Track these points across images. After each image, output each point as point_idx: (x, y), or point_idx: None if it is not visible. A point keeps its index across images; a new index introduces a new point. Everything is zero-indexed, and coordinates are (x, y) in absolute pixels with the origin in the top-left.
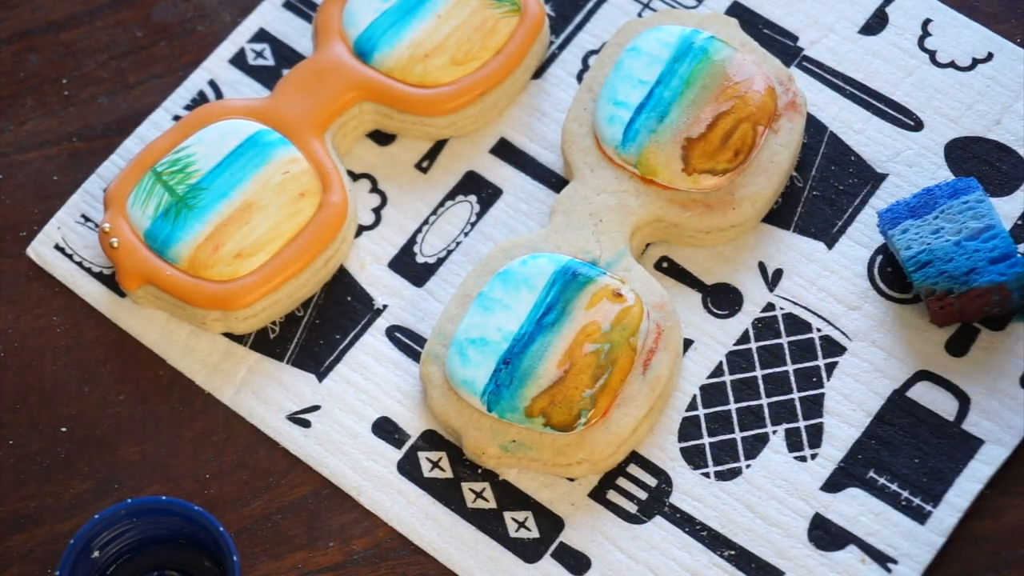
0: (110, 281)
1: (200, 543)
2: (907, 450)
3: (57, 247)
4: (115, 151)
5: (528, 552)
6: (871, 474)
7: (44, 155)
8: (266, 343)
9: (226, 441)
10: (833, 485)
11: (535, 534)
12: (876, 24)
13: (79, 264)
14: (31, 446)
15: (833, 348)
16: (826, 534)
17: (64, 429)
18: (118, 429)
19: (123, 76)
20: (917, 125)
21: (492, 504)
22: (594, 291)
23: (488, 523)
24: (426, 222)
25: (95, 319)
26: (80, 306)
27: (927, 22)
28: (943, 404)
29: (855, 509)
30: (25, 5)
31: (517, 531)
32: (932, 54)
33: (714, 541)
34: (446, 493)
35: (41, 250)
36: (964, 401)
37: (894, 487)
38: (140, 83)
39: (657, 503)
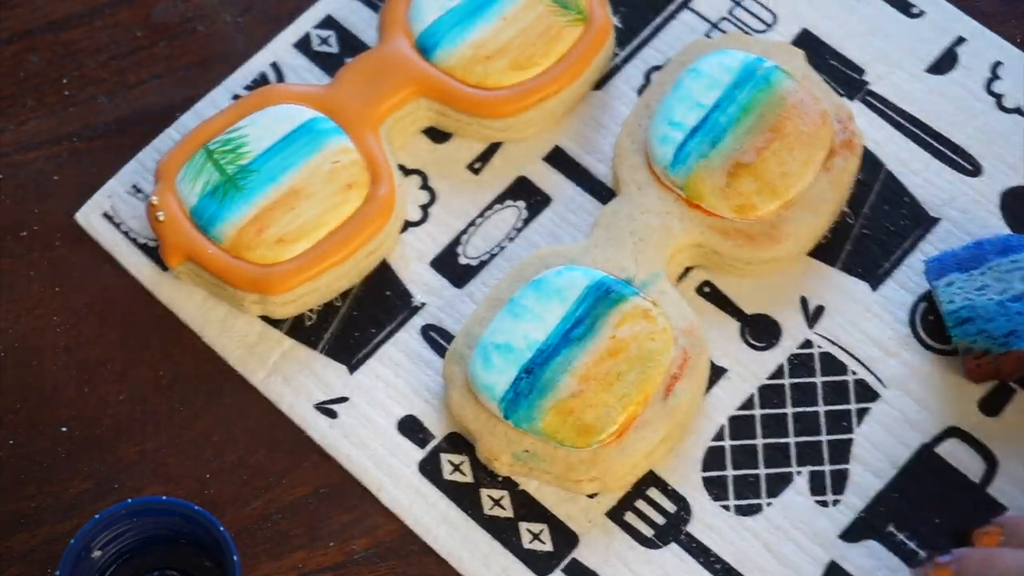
0: (154, 254)
1: (200, 543)
2: (929, 508)
3: (105, 215)
4: (171, 125)
5: (540, 565)
6: (890, 528)
7: (44, 155)
8: (302, 330)
9: (226, 441)
10: (851, 534)
11: (549, 547)
12: (945, 63)
13: (125, 234)
14: (31, 446)
15: (867, 393)
16: None
17: (64, 429)
18: (118, 429)
19: (123, 76)
20: (975, 170)
21: (509, 513)
22: (625, 310)
23: (503, 532)
24: (472, 223)
25: (95, 319)
26: (80, 306)
27: (997, 65)
28: (970, 464)
29: (871, 562)
30: (25, 5)
31: (531, 542)
32: (999, 98)
33: (727, 575)
34: (464, 497)
35: (90, 216)
36: (992, 464)
37: (912, 545)
38: (140, 83)
39: (674, 530)
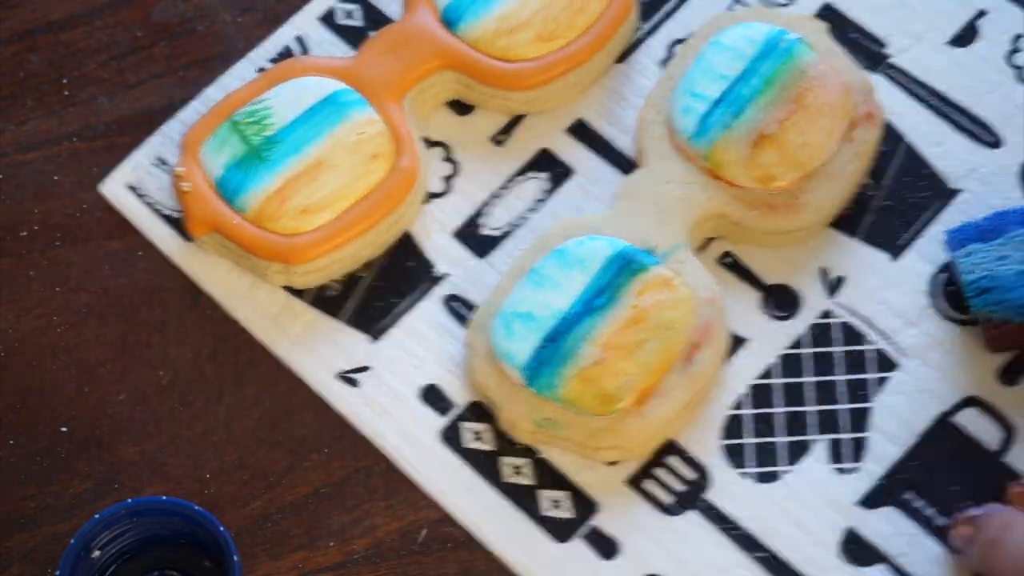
0: (178, 225)
1: (200, 543)
2: (947, 476)
3: (130, 187)
4: (197, 97)
5: (560, 531)
6: (908, 495)
7: (44, 155)
8: (325, 300)
9: (226, 441)
10: (870, 501)
11: (569, 514)
12: (966, 36)
13: (150, 205)
14: (31, 446)
15: (886, 363)
16: (858, 549)
17: (64, 429)
18: (118, 429)
19: (123, 76)
20: (996, 142)
21: (530, 480)
22: (647, 279)
23: (523, 499)
24: (495, 195)
25: (95, 319)
26: (80, 306)
27: (1018, 37)
28: (988, 433)
29: (889, 528)
30: (25, 5)
31: (551, 510)
32: (1020, 70)
33: (746, 541)
34: (485, 465)
35: (114, 189)
36: (1009, 432)
37: (930, 512)
38: (140, 83)
39: (693, 497)
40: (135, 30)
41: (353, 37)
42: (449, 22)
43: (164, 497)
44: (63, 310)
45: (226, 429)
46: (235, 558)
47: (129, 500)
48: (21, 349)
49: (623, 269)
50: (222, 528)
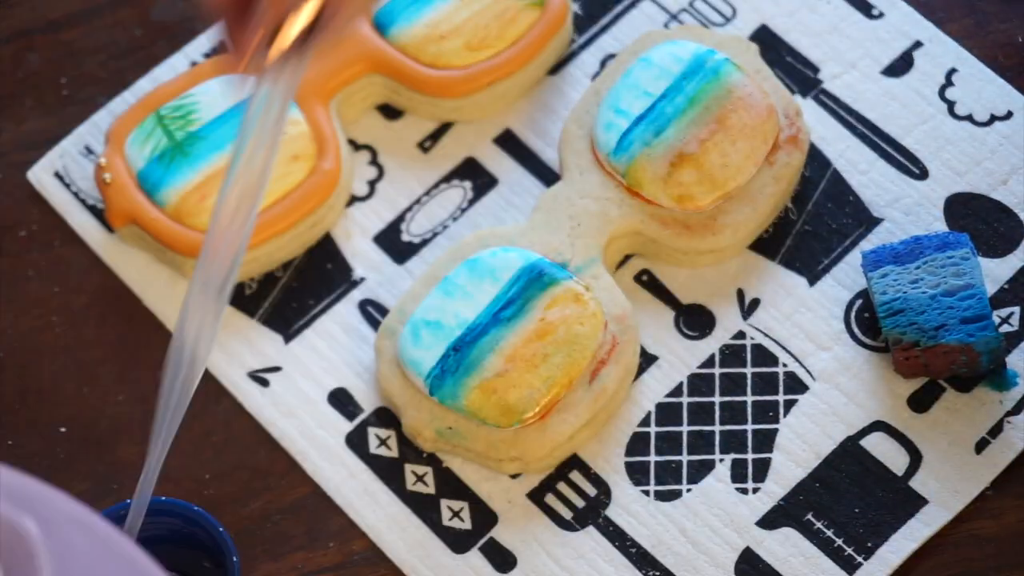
0: (101, 215)
1: (200, 543)
2: (850, 498)
3: (57, 175)
4: (128, 88)
5: (457, 542)
6: (809, 516)
7: (44, 155)
8: (241, 298)
9: (226, 441)
10: (769, 522)
11: (467, 525)
12: (900, 66)
13: (75, 195)
14: (31, 446)
15: (796, 385)
16: (753, 569)
17: (63, 429)
18: (118, 429)
19: (123, 76)
20: (922, 174)
21: (431, 489)
22: (556, 293)
23: (423, 508)
24: (418, 201)
25: (94, 319)
26: (79, 306)
27: (952, 72)
28: (894, 458)
29: (786, 549)
30: (25, 4)
31: (450, 520)
32: (951, 104)
33: (641, 559)
34: (388, 471)
35: (41, 176)
36: (916, 458)
37: (829, 533)
38: (139, 83)
39: (592, 513)
40: (135, 30)
41: None
42: (380, 26)
43: (164, 497)
44: (63, 310)
45: (226, 429)
46: (235, 558)
47: (129, 500)
48: (20, 349)
49: (533, 282)
50: (221, 528)
